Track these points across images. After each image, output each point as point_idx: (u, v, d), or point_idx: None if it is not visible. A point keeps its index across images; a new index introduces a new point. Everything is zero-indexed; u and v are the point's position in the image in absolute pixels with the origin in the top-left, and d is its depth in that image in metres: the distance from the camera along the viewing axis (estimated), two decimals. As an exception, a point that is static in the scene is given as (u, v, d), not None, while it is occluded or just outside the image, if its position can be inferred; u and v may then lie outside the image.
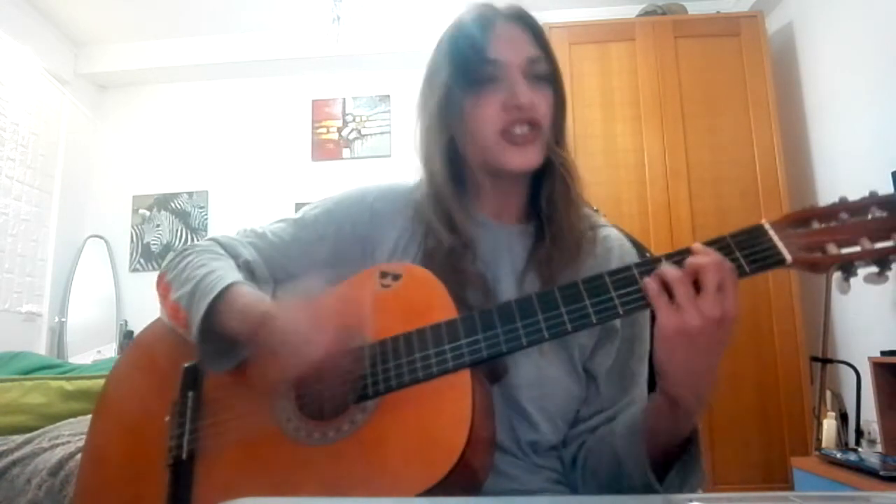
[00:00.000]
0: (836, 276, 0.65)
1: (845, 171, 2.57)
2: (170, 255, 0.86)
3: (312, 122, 3.75)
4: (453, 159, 0.83)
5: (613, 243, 0.86)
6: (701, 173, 2.76)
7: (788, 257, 0.65)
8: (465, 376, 0.67)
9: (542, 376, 0.76)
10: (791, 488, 2.21)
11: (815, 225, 0.67)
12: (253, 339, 0.71)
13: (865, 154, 2.41)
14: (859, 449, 2.08)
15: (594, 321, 0.67)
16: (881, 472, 1.68)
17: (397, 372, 0.69)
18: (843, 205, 0.67)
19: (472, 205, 0.85)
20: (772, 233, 0.66)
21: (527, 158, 0.79)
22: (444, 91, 0.81)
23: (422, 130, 0.86)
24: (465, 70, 0.80)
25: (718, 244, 0.66)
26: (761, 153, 2.75)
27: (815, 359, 2.41)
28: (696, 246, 0.66)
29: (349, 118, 3.74)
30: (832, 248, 0.65)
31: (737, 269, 0.64)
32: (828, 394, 2.37)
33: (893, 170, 2.12)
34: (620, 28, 2.87)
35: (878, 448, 2.06)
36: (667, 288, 0.63)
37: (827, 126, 2.71)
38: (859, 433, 2.27)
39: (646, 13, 3.02)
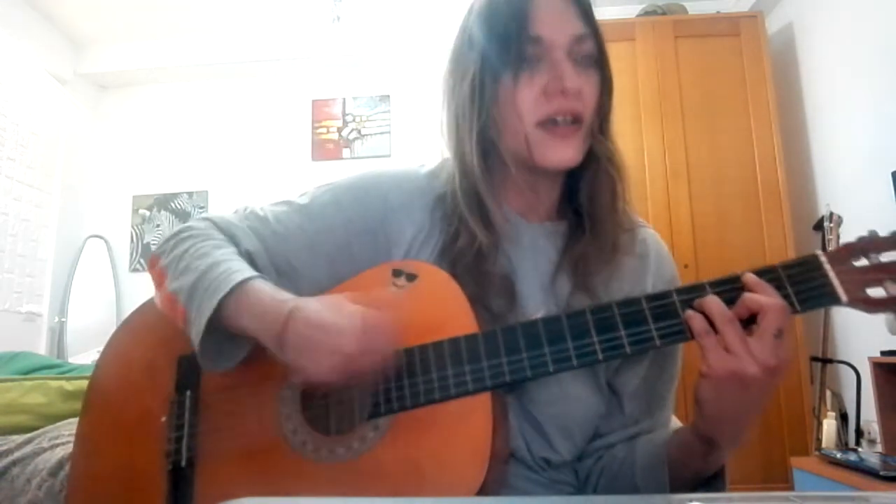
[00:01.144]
0: (889, 316, 0.61)
1: (845, 171, 2.56)
2: (164, 238, 0.78)
3: (312, 121, 3.75)
4: (486, 148, 0.73)
5: (650, 248, 0.78)
6: (701, 173, 2.76)
7: (844, 297, 0.59)
8: (484, 399, 0.63)
9: (564, 393, 0.70)
10: (791, 488, 2.21)
11: (872, 257, 0.61)
12: (277, 338, 0.63)
13: (866, 154, 2.41)
14: (859, 449, 2.07)
15: (628, 352, 0.62)
16: (881, 472, 1.67)
17: (412, 391, 0.64)
18: None
19: (500, 199, 0.76)
20: (827, 267, 0.60)
21: (567, 154, 0.70)
22: (478, 70, 0.71)
23: (451, 116, 0.76)
24: (502, 47, 0.69)
25: (769, 275, 0.60)
26: (761, 153, 2.75)
27: (815, 359, 2.41)
28: (751, 278, 0.60)
29: (349, 118, 3.74)
30: (891, 287, 0.59)
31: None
32: (828, 394, 2.37)
33: (893, 170, 2.12)
34: (620, 28, 2.87)
35: (878, 448, 2.06)
36: (712, 325, 0.58)
37: (827, 126, 2.71)
38: (859, 433, 2.27)
39: (646, 13, 3.02)
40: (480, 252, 0.72)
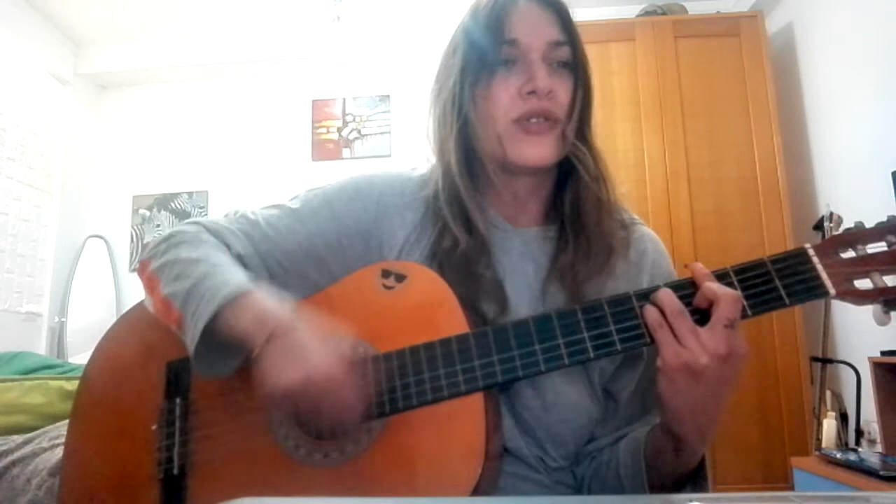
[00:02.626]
0: (876, 307, 0.60)
1: (845, 171, 2.56)
2: (153, 241, 0.76)
3: (312, 121, 3.75)
4: (467, 150, 0.75)
5: (647, 245, 0.78)
6: (701, 173, 2.76)
7: (832, 290, 0.59)
8: (477, 399, 0.62)
9: (559, 401, 0.69)
10: (791, 488, 2.21)
11: (860, 249, 0.60)
12: (265, 346, 0.63)
13: (866, 154, 2.41)
14: (859, 449, 2.07)
15: (619, 349, 0.61)
16: (881, 472, 1.67)
17: (405, 393, 0.64)
18: (891, 225, 0.60)
19: (485, 204, 0.77)
20: (815, 260, 0.60)
21: (540, 152, 0.71)
22: (459, 73, 0.74)
23: (435, 119, 0.79)
24: (480, 50, 0.72)
25: (758, 270, 0.61)
26: (761, 153, 2.75)
27: (815, 359, 2.41)
28: (699, 270, 0.60)
29: (349, 118, 3.74)
30: (877, 279, 0.59)
31: (776, 301, 0.59)
32: (828, 394, 2.37)
33: (893, 170, 2.12)
34: (620, 28, 2.86)
35: (878, 448, 2.06)
36: (666, 318, 0.58)
37: (827, 126, 2.71)
38: (859, 433, 2.27)
39: (646, 13, 3.02)
40: (465, 254, 0.72)
